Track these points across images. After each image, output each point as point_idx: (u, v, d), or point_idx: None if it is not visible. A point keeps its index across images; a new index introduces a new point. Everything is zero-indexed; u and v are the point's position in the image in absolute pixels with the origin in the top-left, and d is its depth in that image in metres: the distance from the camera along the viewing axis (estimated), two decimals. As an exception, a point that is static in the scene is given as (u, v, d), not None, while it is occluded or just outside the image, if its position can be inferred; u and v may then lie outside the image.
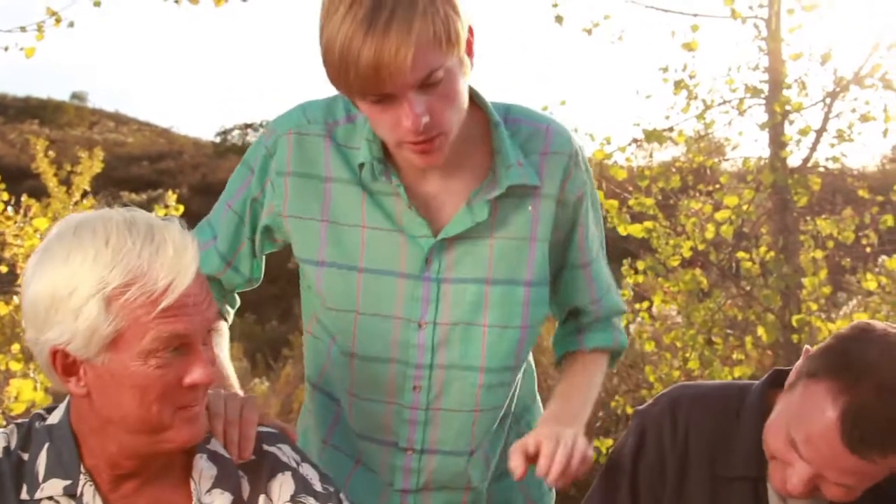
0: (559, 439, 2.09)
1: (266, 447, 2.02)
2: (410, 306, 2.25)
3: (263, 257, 2.44)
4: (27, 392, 6.34)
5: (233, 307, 2.51)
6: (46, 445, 1.88)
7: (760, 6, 8.22)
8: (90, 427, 1.85)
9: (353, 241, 2.25)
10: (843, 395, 1.93)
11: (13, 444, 1.89)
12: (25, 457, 1.88)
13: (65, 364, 1.77)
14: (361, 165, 2.21)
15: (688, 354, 8.11)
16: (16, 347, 6.94)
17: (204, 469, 1.94)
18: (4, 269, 7.54)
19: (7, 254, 7.90)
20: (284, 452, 2.03)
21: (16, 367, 6.75)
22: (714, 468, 2.19)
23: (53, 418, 1.92)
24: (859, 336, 2.01)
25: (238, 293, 2.52)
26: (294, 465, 2.02)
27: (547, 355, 13.79)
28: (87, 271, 1.72)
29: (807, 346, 2.12)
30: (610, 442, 7.82)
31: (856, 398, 1.92)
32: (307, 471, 2.02)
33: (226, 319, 2.46)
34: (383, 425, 2.32)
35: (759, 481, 2.15)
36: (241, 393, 2.20)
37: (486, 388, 2.30)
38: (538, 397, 2.63)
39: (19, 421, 1.93)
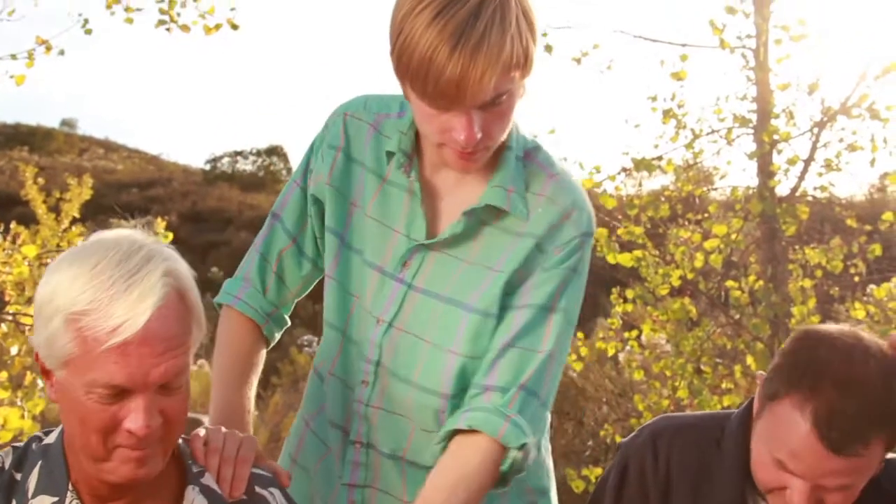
0: None
1: (258, 489, 2.02)
2: (376, 301, 2.26)
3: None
4: (14, 420, 6.30)
5: (280, 329, 2.48)
6: (39, 464, 1.89)
7: (748, 37, 8.27)
8: (70, 443, 1.87)
9: (361, 228, 2.29)
10: (808, 404, 1.95)
11: (7, 465, 1.90)
12: (18, 476, 1.89)
13: (42, 367, 1.81)
14: (389, 154, 2.24)
15: (677, 383, 8.11)
16: (3, 375, 6.90)
17: (195, 501, 1.94)
18: (-7, 296, 7.51)
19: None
20: (275, 497, 2.03)
21: (3, 395, 6.71)
22: (696, 497, 2.19)
23: (50, 438, 1.93)
24: (802, 344, 2.05)
25: (290, 310, 2.50)
26: None
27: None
28: (65, 286, 1.74)
29: (759, 372, 2.13)
30: (599, 471, 7.82)
31: (821, 402, 1.94)
32: None
33: (268, 342, 2.45)
34: (345, 412, 2.33)
35: None
36: (250, 427, 2.21)
37: (416, 405, 2.24)
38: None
39: (16, 444, 1.94)
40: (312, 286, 2.49)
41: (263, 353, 2.44)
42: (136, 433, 1.76)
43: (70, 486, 1.87)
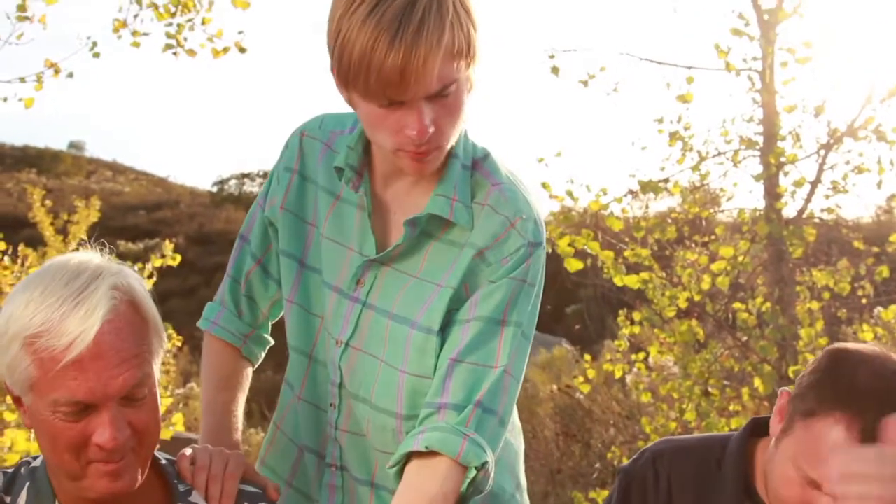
0: None
1: None
2: (334, 322, 2.25)
3: None
4: (21, 443, 6.31)
5: (261, 348, 2.50)
6: (27, 486, 1.92)
7: (754, 59, 8.27)
8: (49, 466, 1.91)
9: (318, 247, 2.28)
10: (854, 423, 1.94)
11: None
12: (8, 499, 1.91)
13: (12, 394, 1.85)
14: (338, 170, 2.20)
15: (684, 405, 8.08)
16: (10, 398, 6.91)
17: None
18: (0, 318, 7.53)
19: (2, 303, 7.89)
20: None
21: (10, 417, 6.71)
22: None
23: (37, 462, 1.96)
24: (841, 364, 2.03)
25: (269, 329, 2.52)
26: None
27: (543, 406, 13.76)
28: (19, 312, 1.79)
29: (783, 390, 2.12)
30: (606, 493, 7.78)
31: (868, 421, 1.93)
32: None
33: (251, 362, 2.47)
34: (318, 435, 2.33)
35: None
36: (240, 443, 2.21)
37: (374, 426, 2.22)
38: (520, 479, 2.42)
39: (6, 468, 1.96)
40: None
41: (249, 371, 2.46)
42: (105, 446, 1.79)
43: None
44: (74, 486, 1.85)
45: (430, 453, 1.98)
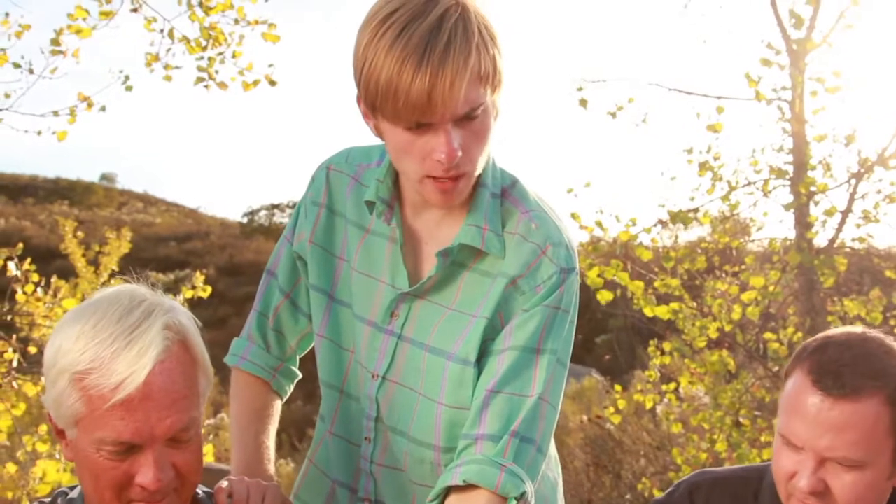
0: None
1: None
2: (369, 356, 2.24)
3: None
4: (52, 473, 6.34)
5: (290, 381, 2.50)
6: None
7: (784, 88, 8.26)
8: (88, 501, 1.89)
9: (349, 283, 2.27)
10: (807, 362, 2.06)
11: None
12: None
13: (55, 427, 1.83)
14: (369, 204, 2.21)
15: (715, 436, 8.03)
16: (43, 428, 6.94)
17: None
18: (33, 349, 7.58)
19: (36, 334, 7.93)
20: None
21: (42, 448, 6.75)
22: None
23: (74, 493, 1.96)
24: (817, 339, 2.13)
25: (298, 362, 2.52)
26: None
27: (574, 437, 13.70)
28: (69, 346, 1.77)
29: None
30: (637, 525, 7.73)
31: (820, 356, 2.05)
32: None
33: (280, 396, 2.47)
34: (350, 470, 2.33)
35: None
36: (273, 475, 2.21)
37: (412, 459, 2.23)
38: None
39: (44, 499, 1.96)
40: (313, 341, 2.48)
41: (279, 404, 2.46)
42: (148, 487, 1.78)
43: None
44: None
45: (468, 486, 1.97)
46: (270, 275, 2.44)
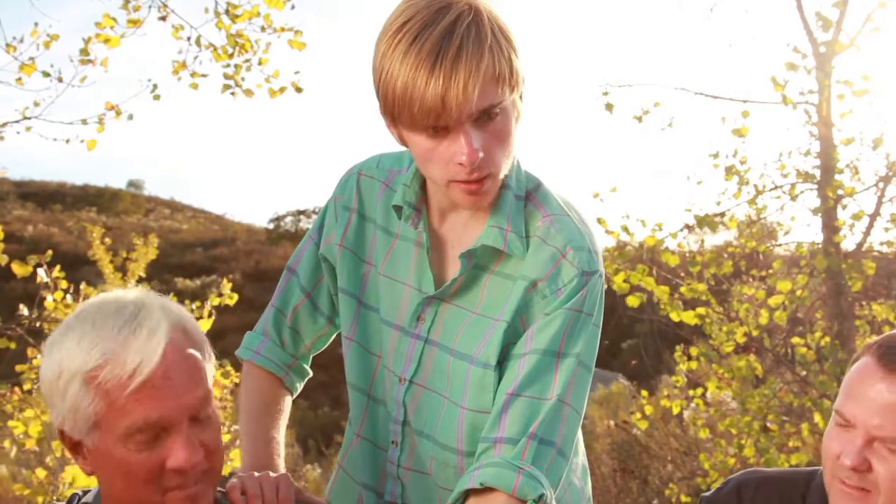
0: None
1: None
2: (396, 360, 2.26)
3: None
4: (82, 479, 6.38)
5: (301, 379, 2.51)
6: None
7: (811, 92, 8.23)
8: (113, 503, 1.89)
9: (377, 287, 2.31)
10: (872, 347, 2.08)
11: None
12: None
13: (71, 444, 1.83)
14: (396, 208, 2.24)
15: (743, 441, 8.00)
16: (67, 448, 7.00)
17: None
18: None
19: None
20: None
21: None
22: None
23: (89, 497, 1.97)
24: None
25: (310, 360, 2.54)
26: None
27: (601, 442, 13.67)
28: (72, 352, 1.77)
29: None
30: (665, 530, 7.71)
31: (881, 344, 2.06)
32: None
33: (291, 392, 2.48)
34: (377, 473, 2.34)
35: None
36: (283, 469, 2.22)
37: (437, 462, 2.24)
38: None
39: (59, 500, 1.97)
40: (330, 340, 2.52)
41: (289, 400, 2.47)
42: (182, 468, 1.79)
43: None
44: None
45: (486, 489, 1.97)
46: (291, 272, 2.46)
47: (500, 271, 2.17)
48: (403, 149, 2.18)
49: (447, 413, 2.19)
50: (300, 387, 2.53)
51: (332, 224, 2.38)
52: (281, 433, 2.39)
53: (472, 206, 2.11)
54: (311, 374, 2.54)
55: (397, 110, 1.97)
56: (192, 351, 1.84)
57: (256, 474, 2.10)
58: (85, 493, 1.99)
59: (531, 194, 2.21)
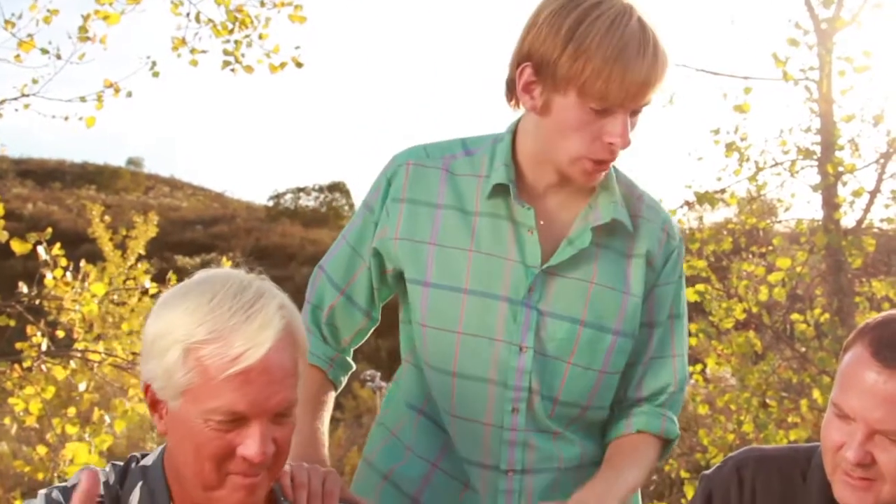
0: None
1: None
2: (511, 330, 2.34)
3: (378, 295, 2.50)
4: (82, 455, 6.39)
5: (345, 373, 2.55)
6: (139, 484, 1.93)
7: (812, 68, 8.22)
8: (175, 470, 1.91)
9: (459, 264, 2.36)
10: (868, 334, 2.05)
11: (112, 480, 1.94)
12: (121, 493, 1.93)
13: (152, 399, 1.85)
14: (502, 187, 2.34)
15: (742, 417, 8.02)
16: (72, 411, 7.00)
17: None
18: (62, 333, 7.63)
19: (64, 318, 7.99)
20: None
21: (72, 430, 6.80)
22: None
23: (148, 460, 1.97)
24: (879, 317, 2.13)
25: (353, 353, 2.58)
26: None
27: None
28: (182, 320, 1.79)
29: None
30: (664, 506, 7.74)
31: (881, 331, 2.04)
32: None
33: (335, 386, 2.52)
34: (484, 448, 2.39)
35: None
36: (327, 461, 2.24)
37: (555, 418, 2.39)
38: None
39: (116, 461, 1.98)
40: (369, 333, 2.56)
41: (333, 394, 2.51)
42: (252, 460, 1.80)
43: None
44: (204, 496, 1.86)
45: (638, 433, 2.41)
46: (321, 270, 2.51)
47: (607, 245, 2.38)
48: (434, 140, 2.40)
49: (575, 376, 2.37)
50: (344, 380, 2.56)
51: (385, 219, 2.42)
52: (325, 426, 2.43)
53: (587, 183, 2.30)
54: (353, 367, 2.59)
55: (591, 78, 2.12)
56: (294, 355, 1.86)
57: (306, 465, 2.12)
58: (143, 456, 1.99)
59: (618, 176, 2.43)
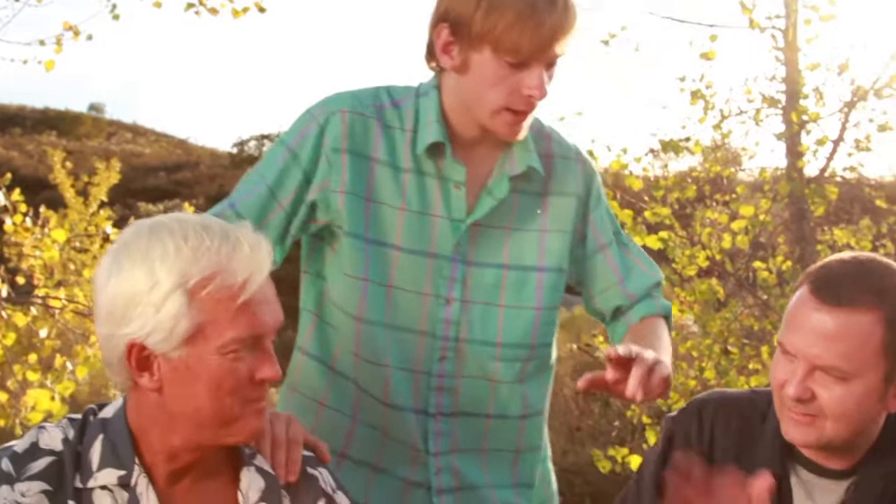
0: (641, 355, 2.17)
1: (308, 470, 2.04)
2: (439, 284, 2.42)
3: (289, 241, 2.46)
4: (44, 402, 6.37)
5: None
6: (100, 437, 1.90)
7: (778, 17, 8.22)
8: (153, 421, 1.88)
9: (391, 221, 2.40)
10: (809, 275, 2.11)
11: (71, 436, 1.91)
12: (80, 448, 1.90)
13: (140, 358, 1.81)
14: (438, 145, 2.38)
15: (704, 364, 8.08)
16: (33, 358, 6.96)
17: (252, 481, 1.96)
18: (22, 280, 7.57)
19: (24, 265, 7.93)
20: (324, 478, 2.05)
21: (33, 377, 6.77)
22: (738, 466, 2.21)
23: (107, 413, 1.94)
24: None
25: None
26: (330, 491, 2.04)
27: (563, 365, 13.77)
28: (168, 266, 1.77)
29: None
30: (626, 451, 7.79)
31: (821, 267, 2.12)
32: (341, 499, 2.04)
33: None
34: (414, 393, 2.45)
35: (783, 479, 2.18)
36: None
37: (503, 361, 2.47)
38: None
39: (72, 416, 1.95)
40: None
41: None
42: (274, 378, 1.86)
43: (137, 461, 1.88)
44: (218, 434, 1.86)
45: (641, 321, 2.55)
46: (232, 209, 2.41)
47: (524, 189, 2.47)
48: (358, 87, 2.45)
49: (511, 318, 2.47)
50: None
51: (326, 170, 2.38)
52: None
53: (510, 137, 2.37)
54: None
55: (503, 32, 2.21)
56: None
57: (269, 412, 2.08)
58: (101, 407, 1.96)
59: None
